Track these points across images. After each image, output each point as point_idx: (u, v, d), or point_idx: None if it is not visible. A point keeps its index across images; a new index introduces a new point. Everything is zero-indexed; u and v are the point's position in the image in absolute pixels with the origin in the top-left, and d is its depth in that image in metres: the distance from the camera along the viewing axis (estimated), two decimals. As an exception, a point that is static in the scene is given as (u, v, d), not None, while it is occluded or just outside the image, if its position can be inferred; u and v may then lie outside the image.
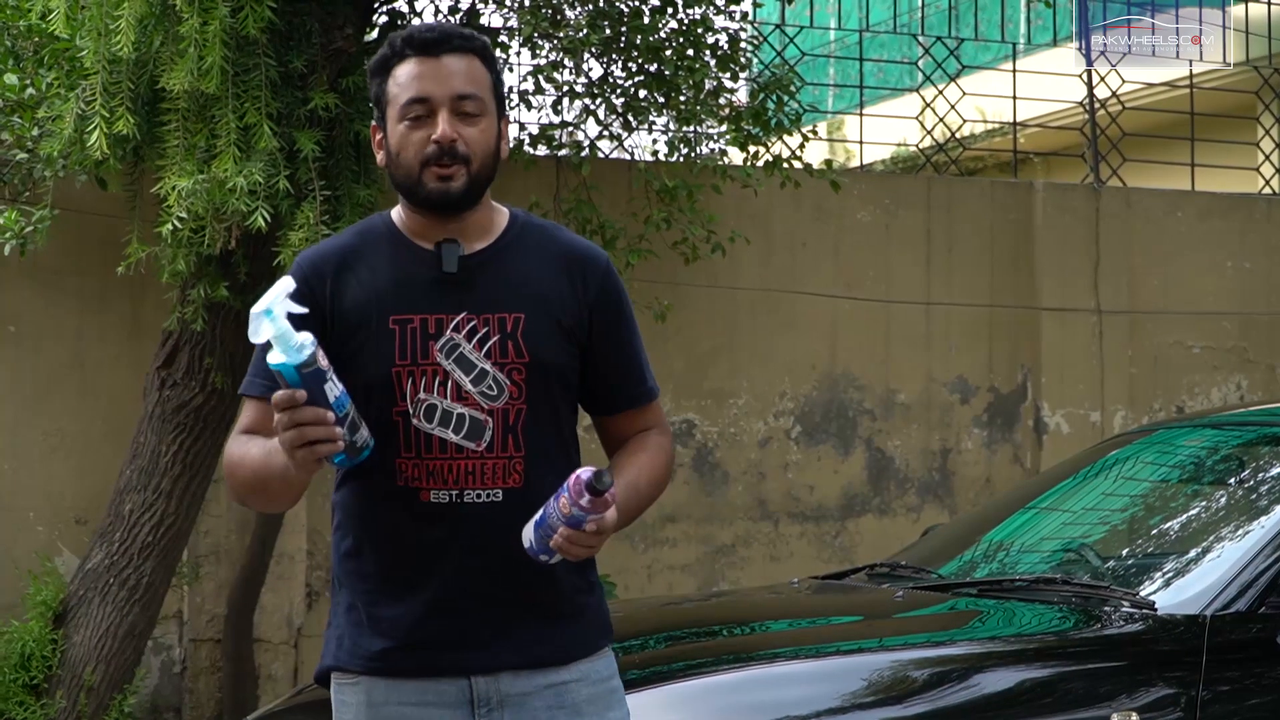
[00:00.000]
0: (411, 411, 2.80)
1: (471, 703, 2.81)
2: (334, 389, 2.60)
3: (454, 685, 2.81)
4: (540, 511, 2.70)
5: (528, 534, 2.71)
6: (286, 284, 2.63)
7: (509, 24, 7.41)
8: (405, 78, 2.84)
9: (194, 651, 7.23)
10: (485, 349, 2.81)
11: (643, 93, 7.15)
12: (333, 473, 2.82)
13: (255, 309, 2.58)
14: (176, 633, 7.22)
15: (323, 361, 2.58)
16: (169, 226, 5.58)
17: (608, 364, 2.92)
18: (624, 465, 2.93)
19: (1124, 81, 9.22)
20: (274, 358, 2.56)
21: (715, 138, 7.68)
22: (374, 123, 2.93)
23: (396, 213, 2.93)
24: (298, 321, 2.60)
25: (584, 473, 2.62)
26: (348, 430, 2.62)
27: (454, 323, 2.82)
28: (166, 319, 6.32)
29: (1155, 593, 4.18)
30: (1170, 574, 4.33)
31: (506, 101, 3.02)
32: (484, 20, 7.40)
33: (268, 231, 5.72)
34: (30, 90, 6.07)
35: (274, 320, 2.56)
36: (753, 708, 3.71)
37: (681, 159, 7.39)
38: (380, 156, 2.90)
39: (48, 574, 6.63)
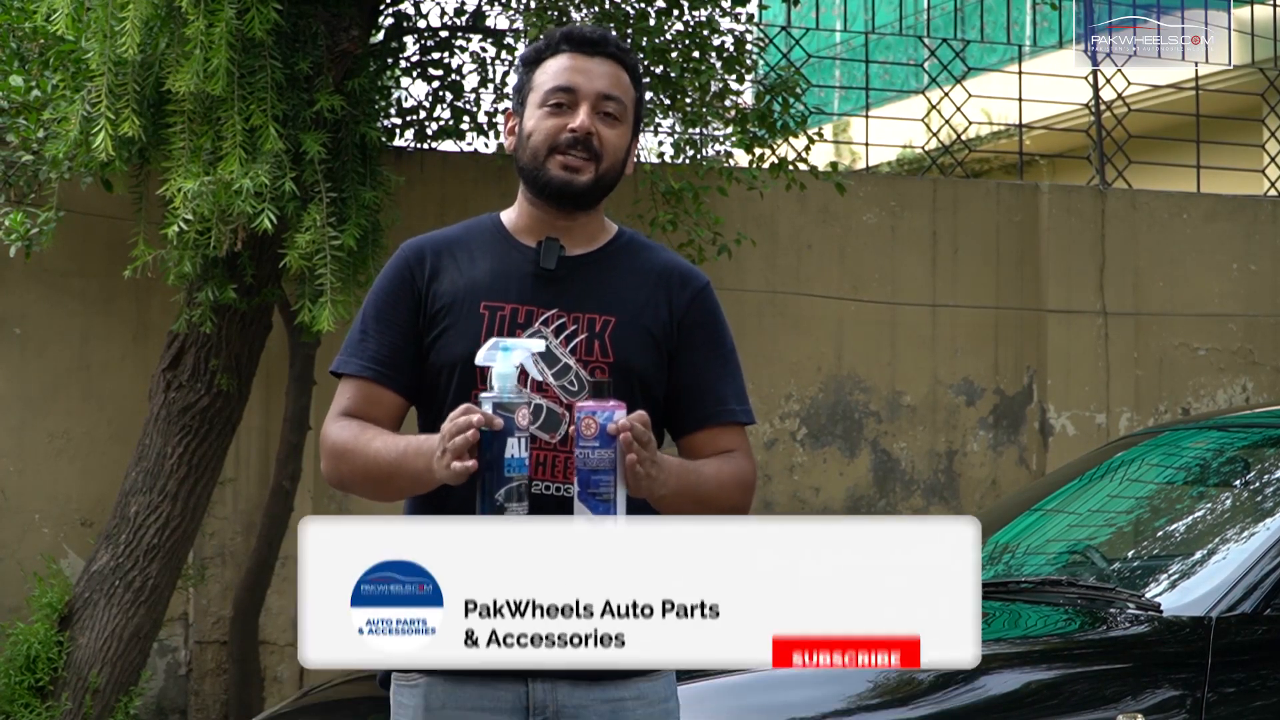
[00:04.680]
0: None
1: (527, 709, 2.78)
2: (515, 449, 2.64)
3: (511, 691, 2.78)
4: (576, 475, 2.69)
5: (577, 505, 2.68)
6: (538, 344, 2.74)
7: (515, 25, 7.41)
8: (555, 69, 2.88)
9: (199, 654, 7.23)
10: (571, 345, 2.84)
11: (648, 94, 7.15)
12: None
13: (501, 340, 2.70)
14: (182, 635, 7.22)
15: (522, 422, 2.64)
16: (175, 228, 5.58)
17: (688, 378, 2.92)
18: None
19: (1129, 83, 9.21)
20: (485, 392, 2.68)
21: (721, 140, 7.68)
22: (508, 109, 2.96)
23: (507, 213, 2.96)
24: (522, 389, 2.70)
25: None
26: (503, 493, 2.63)
27: (544, 316, 2.85)
28: (172, 321, 6.32)
29: (1161, 594, 4.18)
30: (1176, 576, 4.33)
31: (642, 123, 3.04)
32: (490, 22, 7.41)
33: (274, 233, 5.72)
34: (35, 92, 6.07)
35: (508, 358, 2.67)
36: (760, 709, 3.71)
37: (687, 161, 7.39)
38: (509, 142, 2.93)
39: (53, 576, 6.62)
